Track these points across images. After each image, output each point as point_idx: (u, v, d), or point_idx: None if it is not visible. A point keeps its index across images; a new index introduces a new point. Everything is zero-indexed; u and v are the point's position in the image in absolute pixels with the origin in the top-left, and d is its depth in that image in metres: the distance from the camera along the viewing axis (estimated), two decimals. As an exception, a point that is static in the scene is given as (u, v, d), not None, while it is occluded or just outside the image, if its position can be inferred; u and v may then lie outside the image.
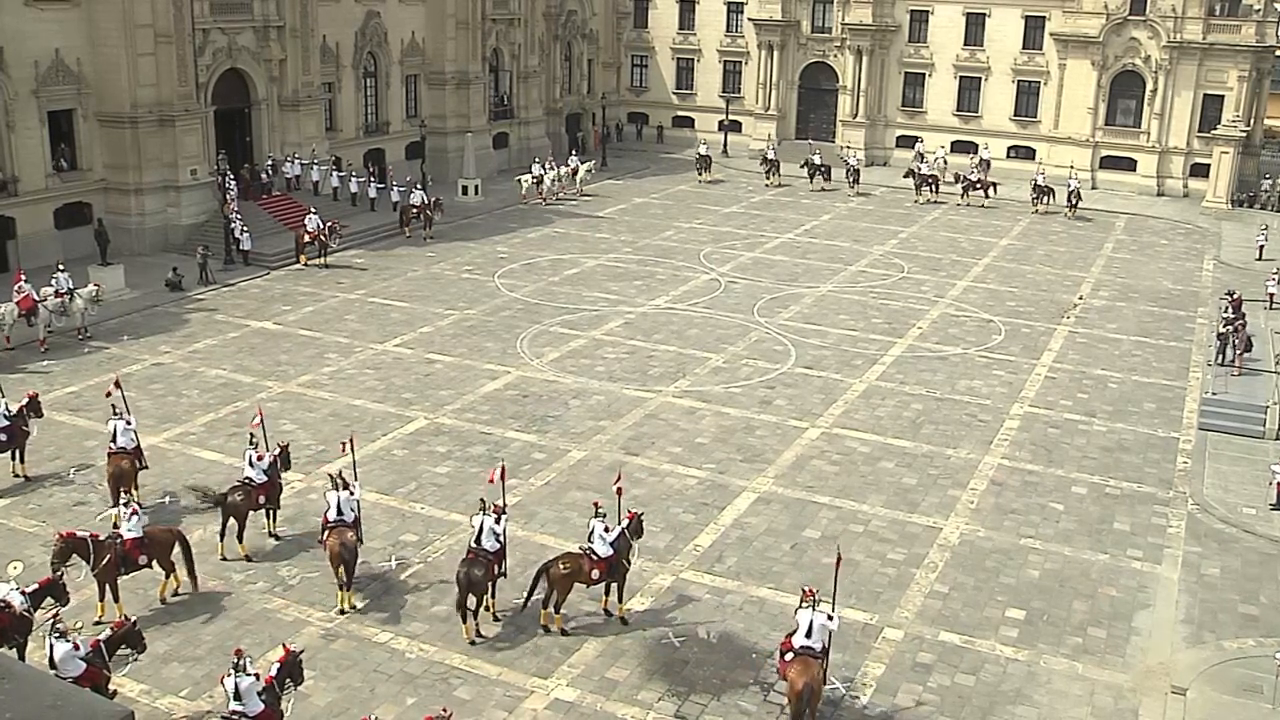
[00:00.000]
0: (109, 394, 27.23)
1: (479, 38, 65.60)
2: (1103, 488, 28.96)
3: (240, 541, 24.39)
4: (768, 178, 67.19)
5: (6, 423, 27.34)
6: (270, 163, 52.25)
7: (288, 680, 18.57)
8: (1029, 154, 69.75)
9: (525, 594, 21.98)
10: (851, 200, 63.74)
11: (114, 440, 25.82)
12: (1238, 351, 36.41)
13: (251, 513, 24.49)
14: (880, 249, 52.85)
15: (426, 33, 63.80)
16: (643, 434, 31.35)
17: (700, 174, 67.84)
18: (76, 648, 18.25)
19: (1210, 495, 28.66)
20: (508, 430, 31.31)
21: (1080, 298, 45.88)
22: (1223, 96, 64.35)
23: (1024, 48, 69.71)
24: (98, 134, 46.87)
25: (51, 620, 18.71)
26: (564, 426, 31.68)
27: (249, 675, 17.72)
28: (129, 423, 26.21)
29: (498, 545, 22.02)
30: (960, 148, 70.96)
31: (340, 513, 22.66)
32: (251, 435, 25.28)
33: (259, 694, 17.76)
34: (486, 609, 21.98)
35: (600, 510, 22.12)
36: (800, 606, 19.44)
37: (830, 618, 19.32)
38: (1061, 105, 68.74)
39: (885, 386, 35.44)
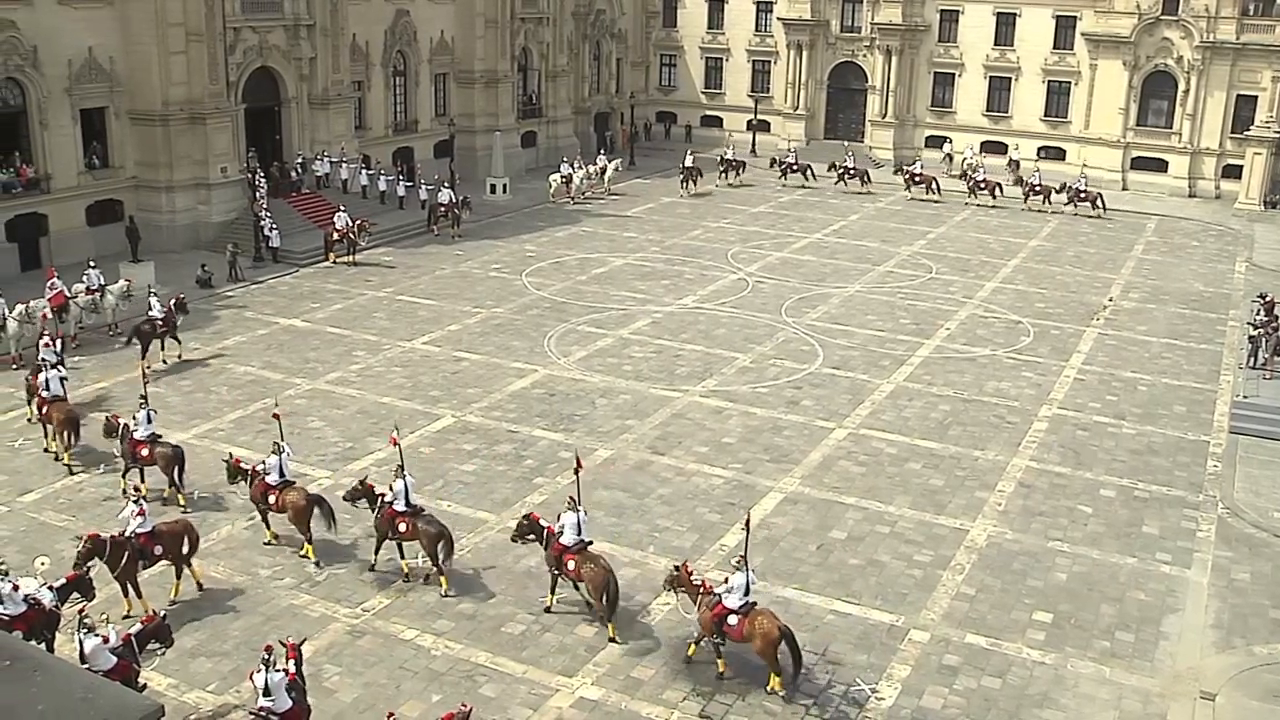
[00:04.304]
0: (46, 344, 31.25)
1: (508, 37, 65.77)
2: (1131, 491, 28.75)
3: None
4: (727, 176, 66.09)
5: (161, 314, 35.15)
6: (300, 161, 52.48)
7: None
8: (1059, 154, 69.35)
9: (605, 612, 21.80)
10: (880, 200, 63.50)
11: (47, 389, 28.20)
12: (1269, 354, 36.10)
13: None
14: (909, 249, 52.63)
15: (456, 31, 64.00)
16: (669, 433, 31.34)
17: (685, 187, 63.33)
18: (106, 641, 18.37)
19: (1241, 499, 28.40)
20: (535, 429, 31.36)
21: (1110, 299, 45.55)
22: (1256, 97, 63.68)
23: (1055, 48, 69.19)
24: (129, 132, 47.24)
25: (79, 615, 18.86)
26: (591, 425, 31.70)
27: (279, 671, 17.86)
28: (62, 372, 29.65)
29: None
30: (990, 148, 70.60)
31: (283, 474, 24.47)
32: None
33: (287, 690, 17.88)
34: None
35: (574, 501, 22.60)
36: (735, 570, 20.58)
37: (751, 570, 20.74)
38: (1092, 106, 68.22)
39: (913, 387, 35.30)
